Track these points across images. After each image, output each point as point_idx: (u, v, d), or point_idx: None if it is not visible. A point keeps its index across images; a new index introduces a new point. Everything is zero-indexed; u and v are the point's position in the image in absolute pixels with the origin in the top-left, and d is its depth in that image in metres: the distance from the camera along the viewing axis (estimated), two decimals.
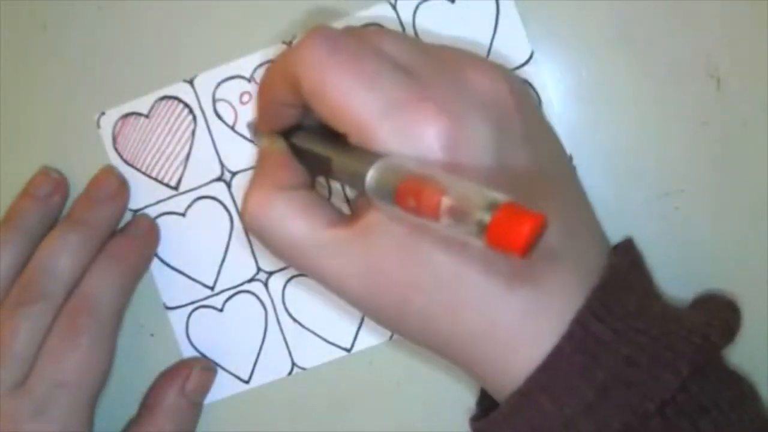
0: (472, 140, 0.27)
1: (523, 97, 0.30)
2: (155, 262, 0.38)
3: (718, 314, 0.30)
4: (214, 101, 0.37)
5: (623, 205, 0.35)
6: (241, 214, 0.30)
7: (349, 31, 0.29)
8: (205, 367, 0.37)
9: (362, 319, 0.37)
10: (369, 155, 0.26)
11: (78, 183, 0.38)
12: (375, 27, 0.29)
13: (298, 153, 0.31)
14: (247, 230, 0.30)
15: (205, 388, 0.38)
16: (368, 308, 0.29)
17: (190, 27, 0.37)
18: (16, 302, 0.34)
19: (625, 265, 0.29)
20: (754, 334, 0.34)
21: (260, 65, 0.37)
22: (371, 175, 0.26)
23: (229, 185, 0.37)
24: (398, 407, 0.37)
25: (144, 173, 0.38)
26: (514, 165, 0.27)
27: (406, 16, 0.36)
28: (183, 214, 0.38)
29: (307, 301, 0.37)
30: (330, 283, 0.29)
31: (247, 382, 0.38)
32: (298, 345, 0.38)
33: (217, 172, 0.38)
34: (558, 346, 0.27)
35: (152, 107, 0.38)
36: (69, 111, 0.38)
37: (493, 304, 0.27)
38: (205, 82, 0.37)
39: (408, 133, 0.26)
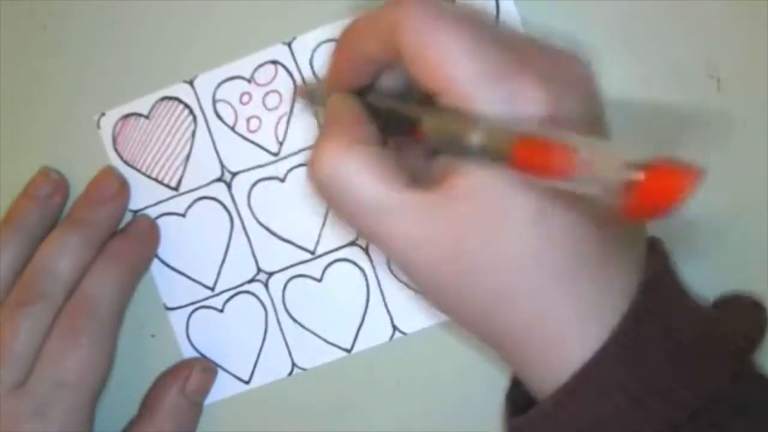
0: (567, 116, 0.27)
1: (598, 85, 0.30)
2: (155, 262, 0.38)
3: (749, 317, 0.29)
4: (214, 102, 0.37)
5: None
6: (310, 168, 0.28)
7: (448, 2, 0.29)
8: (206, 368, 0.37)
9: (363, 320, 0.37)
10: (463, 116, 0.26)
11: (78, 183, 0.38)
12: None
13: (374, 113, 0.30)
14: (315, 185, 0.29)
15: (205, 388, 0.38)
16: (429, 281, 0.28)
17: (190, 27, 0.37)
18: (16, 302, 0.34)
19: (661, 268, 0.29)
20: None
21: (260, 66, 0.37)
22: (477, 136, 0.25)
23: (229, 186, 0.37)
24: (398, 407, 0.37)
25: (144, 174, 0.38)
26: None
27: None
28: (183, 215, 0.38)
29: (307, 302, 0.37)
30: (395, 248, 0.28)
31: (247, 382, 0.38)
32: (299, 345, 0.38)
33: (217, 173, 0.38)
34: (606, 343, 0.26)
35: (152, 108, 0.38)
36: (69, 111, 0.38)
37: (551, 290, 0.27)
38: (205, 82, 0.37)
39: (507, 98, 0.26)
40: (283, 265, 0.37)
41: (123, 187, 0.37)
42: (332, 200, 0.29)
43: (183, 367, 0.37)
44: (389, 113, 0.30)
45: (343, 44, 0.31)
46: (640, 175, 0.21)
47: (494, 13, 0.35)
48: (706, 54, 0.34)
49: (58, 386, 0.34)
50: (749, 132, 0.34)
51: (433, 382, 0.37)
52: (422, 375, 0.37)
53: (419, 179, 0.28)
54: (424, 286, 0.29)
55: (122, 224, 0.38)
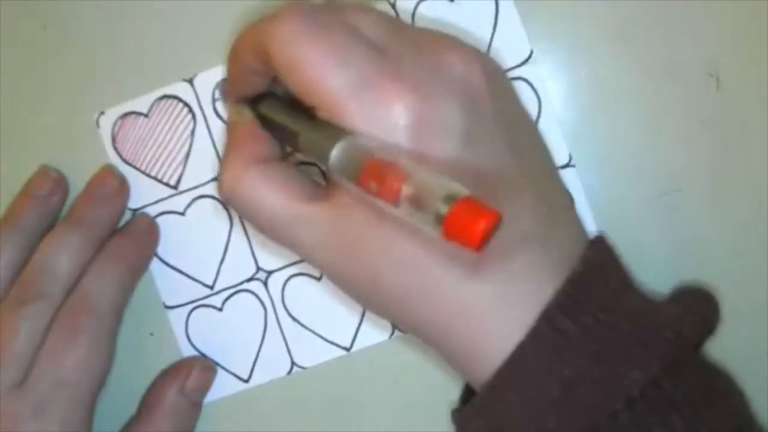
0: (439, 121, 0.27)
1: (498, 83, 0.29)
2: (155, 261, 0.38)
3: (694, 308, 0.29)
4: (214, 100, 0.37)
5: (622, 205, 0.35)
6: (218, 188, 0.31)
7: (326, 7, 0.29)
8: (205, 367, 0.37)
9: (362, 318, 0.37)
10: (336, 131, 0.27)
11: (77, 182, 0.38)
12: (354, 3, 0.29)
13: (267, 122, 0.31)
14: (226, 202, 0.31)
15: (204, 387, 0.38)
16: (342, 282, 0.29)
17: (189, 26, 0.37)
18: (15, 301, 0.34)
19: (596, 259, 0.29)
20: (754, 333, 0.34)
21: None
22: (335, 154, 0.26)
23: None
24: (398, 407, 0.37)
25: (143, 172, 0.38)
26: (484, 152, 0.27)
27: (406, 15, 0.36)
28: (182, 213, 0.38)
29: (306, 301, 0.37)
30: (305, 256, 0.30)
31: (246, 381, 0.38)
32: (298, 344, 0.38)
33: (216, 171, 0.38)
34: (523, 341, 0.27)
35: (152, 106, 0.38)
36: (69, 110, 0.38)
37: (461, 288, 0.27)
38: (205, 81, 0.37)
39: (375, 109, 0.26)
40: (283, 264, 0.37)
41: (122, 186, 0.37)
42: (241, 214, 0.31)
43: (182, 366, 0.37)
44: (277, 124, 0.31)
45: (230, 56, 0.31)
46: (446, 210, 0.23)
47: (493, 12, 0.35)
48: (706, 54, 0.34)
49: (57, 385, 0.34)
50: (749, 132, 0.34)
51: (433, 381, 0.36)
52: (422, 374, 0.37)
53: (331, 185, 0.29)
54: (344, 291, 0.30)
55: (122, 223, 0.38)
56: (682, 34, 0.35)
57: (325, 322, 0.37)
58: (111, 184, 0.37)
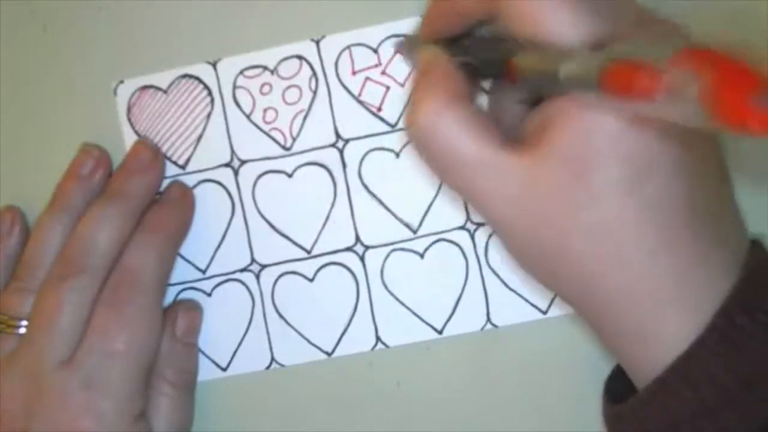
0: None
1: None
2: None
3: None
4: (235, 87, 0.37)
5: None
6: (407, 125, 0.29)
7: None
8: (189, 308, 0.38)
9: (347, 326, 0.37)
10: (555, 49, 0.25)
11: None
12: None
13: (459, 59, 0.30)
14: (412, 140, 0.29)
15: (194, 327, 0.37)
16: (521, 241, 0.28)
17: (222, 9, 0.37)
18: (58, 277, 0.34)
19: (765, 259, 0.28)
20: None
21: (285, 59, 0.37)
22: (569, 66, 0.24)
23: (236, 173, 0.37)
24: (398, 407, 0.37)
25: None
26: None
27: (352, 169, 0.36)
28: None
29: (295, 299, 0.37)
30: (490, 208, 0.28)
31: (224, 369, 0.38)
32: (280, 341, 0.38)
33: (226, 158, 0.38)
34: (703, 335, 0.26)
35: (172, 83, 0.38)
36: (86, 75, 0.38)
37: (649, 260, 0.26)
38: (229, 66, 0.37)
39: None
40: (277, 260, 0.37)
41: (157, 157, 0.37)
42: (429, 156, 0.29)
43: (168, 312, 0.37)
44: (484, 56, 0.29)
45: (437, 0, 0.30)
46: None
47: None
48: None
49: (106, 357, 0.33)
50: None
51: (433, 382, 0.37)
52: (422, 375, 0.37)
53: (515, 136, 0.28)
54: (517, 248, 0.28)
55: None
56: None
57: (310, 323, 0.37)
58: (145, 156, 0.37)
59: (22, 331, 0.35)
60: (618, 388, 0.30)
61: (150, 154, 0.37)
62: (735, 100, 0.19)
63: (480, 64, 0.30)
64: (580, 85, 0.24)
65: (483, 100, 0.34)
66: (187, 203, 0.38)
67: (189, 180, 0.38)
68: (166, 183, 0.38)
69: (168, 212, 0.37)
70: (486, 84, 0.34)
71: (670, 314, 0.27)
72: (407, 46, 0.35)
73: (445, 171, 0.29)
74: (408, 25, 0.36)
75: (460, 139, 0.28)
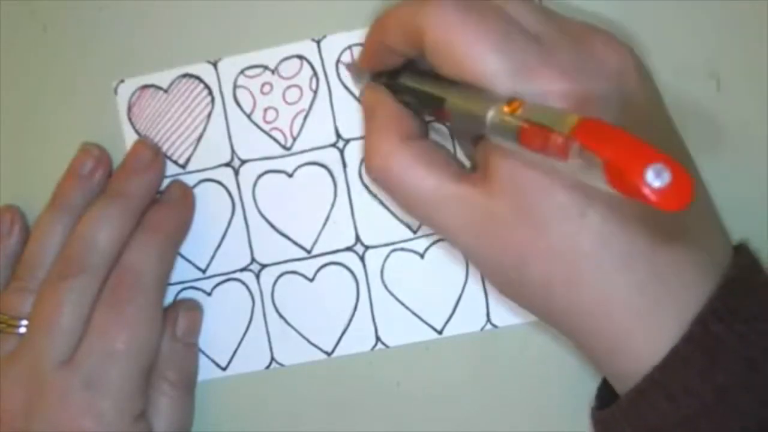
0: (596, 111, 0.26)
1: (649, 82, 0.29)
2: None
3: None
4: (235, 87, 0.37)
5: None
6: (365, 166, 0.30)
7: None
8: (190, 307, 0.38)
9: (347, 326, 0.37)
10: (486, 95, 0.26)
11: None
12: None
13: (403, 96, 0.31)
14: (373, 183, 0.30)
15: (194, 327, 0.37)
16: (485, 267, 0.29)
17: (222, 9, 0.37)
18: (58, 276, 0.34)
19: (747, 266, 0.29)
20: None
21: (286, 58, 0.37)
22: (493, 114, 0.25)
23: (236, 172, 0.37)
24: (398, 407, 0.37)
25: None
26: None
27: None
28: None
29: (295, 299, 0.37)
30: (453, 238, 0.29)
31: (224, 369, 0.38)
32: (280, 341, 0.38)
33: (226, 158, 0.38)
34: (678, 346, 0.26)
35: (172, 83, 0.38)
36: (87, 74, 0.38)
37: (609, 280, 0.27)
38: (229, 66, 0.37)
39: (531, 94, 0.26)
40: (278, 260, 0.37)
41: (157, 157, 0.37)
42: (388, 193, 0.30)
43: (168, 312, 0.37)
44: (420, 94, 0.30)
45: (371, 35, 0.31)
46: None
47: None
48: (706, 54, 0.34)
49: (106, 357, 0.33)
50: (749, 132, 0.34)
51: (433, 382, 0.37)
52: (422, 375, 0.37)
53: (479, 167, 0.29)
54: (486, 275, 0.30)
55: None
56: (682, 35, 0.34)
57: (310, 323, 0.37)
58: (146, 156, 0.37)
59: (22, 330, 0.35)
60: (608, 393, 0.30)
61: (150, 154, 0.37)
62: (630, 179, 0.20)
63: (418, 102, 0.31)
64: (503, 135, 0.25)
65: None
66: (187, 203, 0.37)
67: (189, 179, 0.38)
68: (166, 182, 0.38)
69: (168, 212, 0.37)
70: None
71: (641, 327, 0.27)
72: (354, 73, 0.36)
73: (407, 207, 0.30)
74: None
75: (414, 177, 0.29)
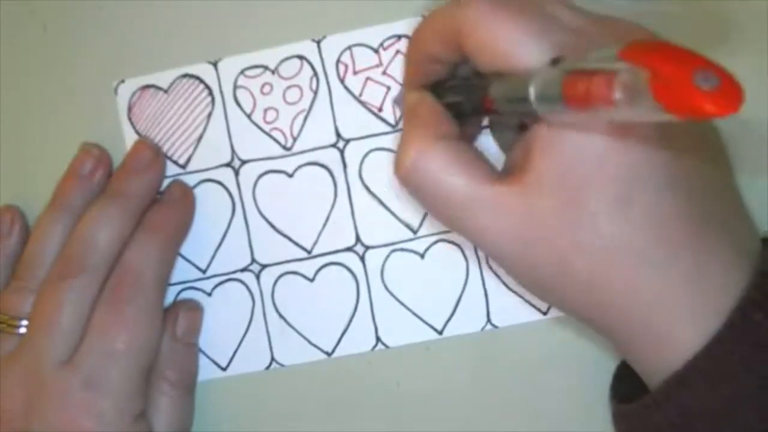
0: None
1: None
2: None
3: None
4: (235, 87, 0.37)
5: None
6: (396, 167, 0.29)
7: None
8: (190, 308, 0.38)
9: (347, 326, 0.37)
10: (526, 76, 0.25)
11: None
12: None
13: (444, 101, 0.31)
14: (402, 183, 0.29)
15: (194, 328, 0.38)
16: (526, 271, 0.28)
17: (222, 9, 0.37)
18: (58, 276, 0.34)
19: None
20: None
21: (286, 59, 0.37)
22: (534, 85, 0.24)
23: (237, 172, 0.37)
24: (398, 407, 0.37)
25: None
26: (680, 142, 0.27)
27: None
28: None
29: (295, 300, 0.37)
30: (486, 242, 0.28)
31: (224, 369, 0.38)
32: (281, 341, 0.38)
33: (227, 158, 0.38)
34: (720, 332, 0.26)
35: (172, 83, 0.38)
36: (87, 75, 0.38)
37: (655, 272, 0.26)
38: (229, 66, 0.37)
39: None
40: (278, 260, 0.37)
41: (157, 157, 0.37)
42: (419, 195, 0.29)
43: (169, 312, 0.37)
44: (465, 92, 0.30)
45: (411, 46, 0.31)
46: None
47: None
48: (705, 54, 0.34)
49: (106, 356, 0.33)
50: (749, 132, 0.34)
51: (433, 382, 0.37)
52: (422, 375, 0.37)
53: (514, 169, 0.28)
54: (520, 278, 0.29)
55: None
56: (682, 35, 0.34)
57: (311, 323, 0.37)
58: (146, 156, 0.37)
59: (23, 330, 0.35)
60: (624, 388, 0.30)
61: (150, 154, 0.37)
62: (679, 85, 0.19)
63: (463, 102, 0.30)
64: (548, 105, 0.24)
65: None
66: (187, 203, 0.37)
67: (189, 180, 0.38)
68: (166, 182, 0.38)
69: (169, 212, 0.37)
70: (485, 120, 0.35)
71: (685, 317, 0.27)
72: (398, 103, 0.36)
73: (436, 210, 0.29)
74: (408, 25, 0.36)
75: (446, 177, 0.28)
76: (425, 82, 0.32)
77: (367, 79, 0.37)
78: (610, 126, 0.26)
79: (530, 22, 0.27)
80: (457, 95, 0.31)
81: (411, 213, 0.37)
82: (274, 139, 0.37)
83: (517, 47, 0.26)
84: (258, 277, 0.38)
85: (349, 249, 0.37)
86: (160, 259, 0.36)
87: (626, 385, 0.30)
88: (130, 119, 0.38)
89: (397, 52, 0.37)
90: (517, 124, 0.30)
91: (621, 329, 0.28)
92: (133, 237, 0.35)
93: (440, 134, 0.29)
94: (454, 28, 0.28)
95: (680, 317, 0.27)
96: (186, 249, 0.38)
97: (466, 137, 0.31)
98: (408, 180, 0.29)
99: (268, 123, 0.37)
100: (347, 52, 0.37)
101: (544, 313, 0.36)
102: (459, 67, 0.31)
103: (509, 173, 0.28)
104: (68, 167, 0.37)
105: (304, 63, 0.37)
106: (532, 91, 0.24)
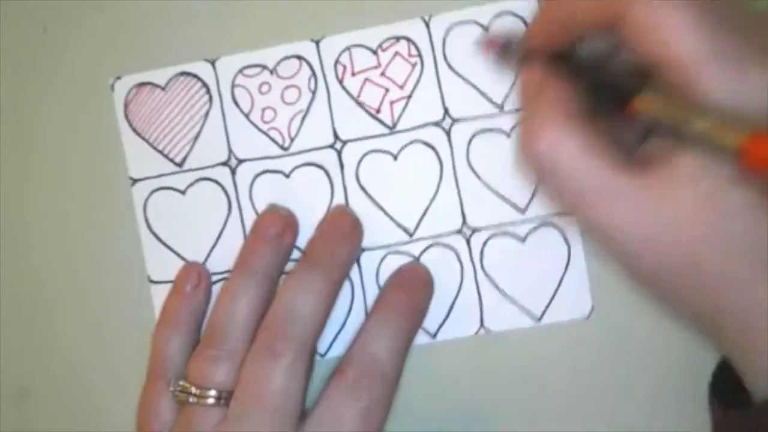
0: None
1: None
2: (146, 233, 0.38)
3: None
4: (233, 86, 0.37)
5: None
6: (524, 153, 0.27)
7: None
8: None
9: (342, 327, 0.37)
10: (688, 101, 0.24)
11: (84, 144, 0.38)
12: None
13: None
14: (532, 165, 0.27)
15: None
16: (649, 267, 0.27)
17: (221, 8, 0.37)
18: (269, 352, 0.33)
19: None
20: None
21: (285, 58, 0.37)
22: (703, 123, 0.23)
23: (233, 172, 0.37)
24: (399, 407, 0.36)
25: (151, 145, 0.38)
26: None
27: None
28: (183, 192, 0.38)
29: None
30: (614, 232, 0.27)
31: None
32: None
33: (223, 157, 0.37)
34: None
35: (170, 81, 0.38)
36: (84, 71, 0.38)
37: None
38: (227, 65, 0.37)
39: (736, 79, 0.25)
40: None
41: (357, 224, 0.36)
42: (549, 179, 0.28)
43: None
44: (597, 84, 0.28)
45: (551, 4, 0.29)
46: None
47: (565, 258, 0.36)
48: None
49: None
50: None
51: (433, 382, 0.37)
52: (422, 375, 0.37)
53: (631, 157, 0.27)
54: (640, 275, 0.28)
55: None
56: None
57: None
58: (347, 224, 0.36)
59: (211, 402, 0.33)
60: (720, 393, 0.29)
61: (351, 221, 0.36)
62: None
63: (594, 90, 0.28)
64: (712, 150, 0.23)
65: None
66: (428, 285, 0.36)
67: (186, 178, 0.38)
68: (164, 180, 0.38)
69: (411, 295, 0.36)
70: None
71: None
72: (503, 50, 0.33)
73: (567, 195, 0.27)
74: (408, 27, 0.36)
75: (584, 166, 0.27)
76: (548, 46, 0.30)
77: (366, 80, 0.37)
78: None
79: (694, 13, 0.25)
80: (590, 80, 0.28)
81: (407, 216, 0.37)
82: (272, 139, 0.37)
83: (678, 36, 0.25)
84: None
85: None
86: (404, 347, 0.35)
87: (722, 388, 0.29)
88: (126, 116, 0.38)
89: (396, 53, 0.37)
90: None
91: (735, 335, 0.27)
92: (375, 318, 0.35)
93: (574, 120, 0.27)
94: (619, 4, 0.26)
95: None
96: (181, 247, 0.38)
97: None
98: (541, 168, 0.27)
99: (265, 122, 0.37)
100: (346, 53, 0.37)
101: (538, 320, 0.36)
102: (585, 42, 0.29)
103: (645, 163, 0.27)
104: (253, 226, 0.37)
105: (303, 63, 0.37)
106: (696, 128, 0.23)
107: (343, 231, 0.36)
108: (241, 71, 0.37)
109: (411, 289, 0.36)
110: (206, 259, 0.38)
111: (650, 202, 0.26)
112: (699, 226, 0.26)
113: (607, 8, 0.27)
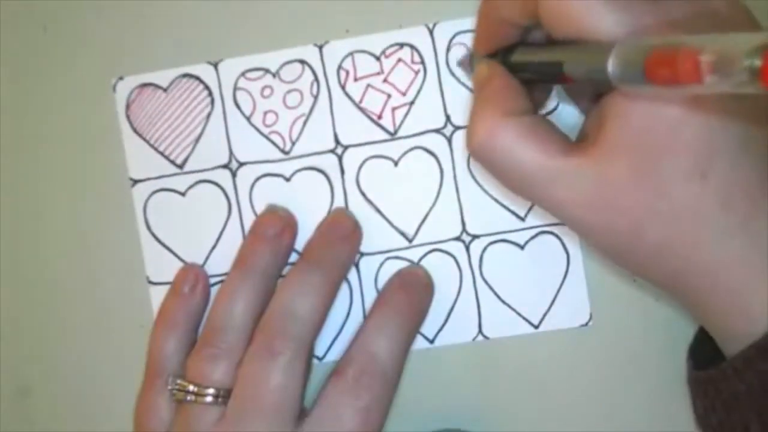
0: None
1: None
2: (145, 235, 0.38)
3: None
4: (235, 89, 0.37)
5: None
6: (467, 143, 0.29)
7: None
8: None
9: (339, 331, 0.37)
10: (603, 47, 0.25)
11: (83, 144, 0.38)
12: None
13: (518, 72, 0.30)
14: (474, 158, 0.29)
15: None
16: (600, 238, 0.28)
17: (225, 10, 0.37)
18: (267, 351, 0.33)
19: None
20: None
21: (288, 62, 0.37)
22: (614, 60, 0.24)
23: (234, 174, 0.37)
24: (400, 407, 0.37)
25: (151, 146, 0.38)
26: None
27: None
28: (183, 194, 0.38)
29: None
30: (561, 213, 0.29)
31: None
32: None
33: (224, 159, 0.37)
34: None
35: (172, 82, 0.38)
36: (85, 71, 0.38)
37: (729, 241, 0.26)
38: (230, 68, 0.37)
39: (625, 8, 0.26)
40: None
41: (357, 227, 0.36)
42: (491, 171, 0.29)
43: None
44: (538, 66, 0.30)
45: (484, 6, 0.31)
46: (761, 60, 0.20)
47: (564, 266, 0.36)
48: None
49: None
50: None
51: (433, 382, 0.37)
52: (423, 375, 0.37)
53: (587, 139, 0.28)
54: (599, 246, 0.29)
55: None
56: None
57: None
58: (346, 225, 0.36)
59: (209, 399, 0.33)
60: (701, 355, 0.30)
61: (351, 224, 0.36)
62: None
63: (536, 72, 0.30)
64: (628, 79, 0.24)
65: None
66: (429, 289, 0.37)
67: (186, 180, 0.38)
68: (165, 181, 0.38)
69: (411, 295, 0.36)
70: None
71: (761, 285, 0.26)
72: (466, 61, 0.35)
73: (510, 182, 0.29)
74: (412, 34, 0.36)
75: (519, 151, 0.28)
76: (496, 46, 0.31)
77: (368, 86, 0.37)
78: (687, 96, 0.25)
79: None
80: (530, 65, 0.30)
81: (407, 221, 0.37)
82: (273, 143, 0.37)
83: (592, 16, 0.26)
84: None
85: None
86: (405, 348, 0.35)
87: (703, 351, 0.30)
88: (128, 117, 0.38)
89: (399, 60, 0.37)
90: (592, 93, 0.30)
91: (695, 297, 0.28)
92: (375, 318, 0.35)
93: (512, 109, 0.29)
94: None
95: (756, 285, 0.27)
96: (180, 249, 0.38)
97: (535, 104, 0.31)
98: (479, 155, 0.29)
99: (267, 126, 0.37)
100: (349, 59, 0.37)
101: (536, 327, 0.36)
102: (531, 31, 0.30)
103: (583, 142, 0.28)
104: (252, 226, 0.37)
105: (306, 67, 0.37)
106: (610, 65, 0.24)
107: (342, 232, 0.36)
108: (243, 74, 0.37)
109: (411, 290, 0.36)
110: (205, 261, 0.38)
111: (589, 178, 0.27)
112: (637, 198, 0.27)
113: (525, 3, 0.28)
